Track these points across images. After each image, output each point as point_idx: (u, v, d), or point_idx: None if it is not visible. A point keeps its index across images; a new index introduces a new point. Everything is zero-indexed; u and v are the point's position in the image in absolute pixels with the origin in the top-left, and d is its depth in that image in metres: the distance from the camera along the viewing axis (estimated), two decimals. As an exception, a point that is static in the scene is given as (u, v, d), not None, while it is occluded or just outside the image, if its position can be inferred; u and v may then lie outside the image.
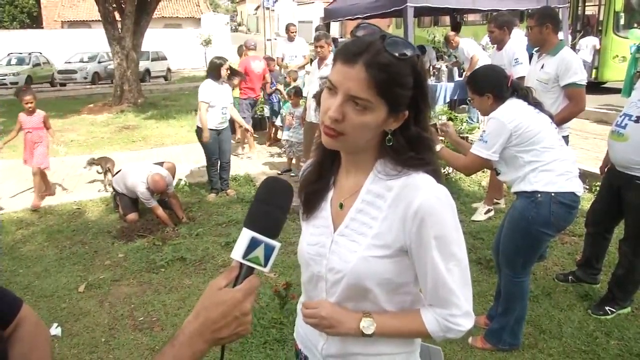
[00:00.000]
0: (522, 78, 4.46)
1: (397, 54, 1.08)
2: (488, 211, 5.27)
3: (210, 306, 0.94)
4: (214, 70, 6.05)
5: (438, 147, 2.84)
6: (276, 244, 1.01)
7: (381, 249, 1.16)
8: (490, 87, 2.87)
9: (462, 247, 1.17)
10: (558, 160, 2.75)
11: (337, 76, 1.11)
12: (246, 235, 0.99)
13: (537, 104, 2.85)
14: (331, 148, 1.19)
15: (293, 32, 9.55)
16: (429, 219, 1.12)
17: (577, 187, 2.77)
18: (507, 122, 2.72)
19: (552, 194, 2.72)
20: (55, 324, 3.55)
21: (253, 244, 0.99)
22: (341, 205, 1.25)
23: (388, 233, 1.16)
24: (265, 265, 1.00)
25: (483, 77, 2.96)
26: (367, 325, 1.19)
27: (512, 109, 2.77)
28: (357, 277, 1.18)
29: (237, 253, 0.98)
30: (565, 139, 4.07)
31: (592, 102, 9.34)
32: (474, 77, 3.03)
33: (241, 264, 0.99)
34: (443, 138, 3.28)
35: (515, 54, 5.07)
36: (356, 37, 1.15)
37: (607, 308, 3.48)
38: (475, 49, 8.65)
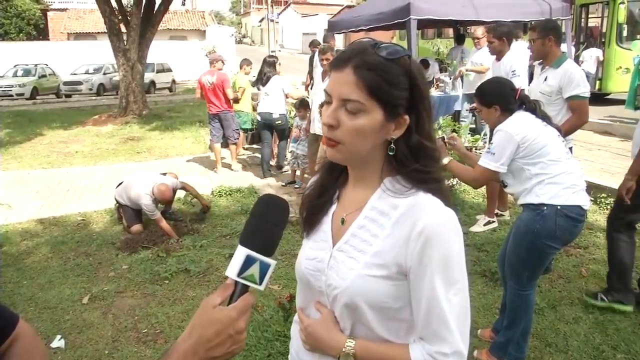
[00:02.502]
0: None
1: (385, 55, 1.08)
2: (488, 223, 5.24)
3: (205, 324, 0.93)
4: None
5: (446, 160, 2.84)
6: (272, 261, 1.00)
7: (380, 268, 1.11)
8: (497, 99, 2.88)
9: (465, 276, 1.11)
10: (565, 173, 2.74)
11: (330, 84, 1.13)
12: (241, 253, 0.98)
13: (545, 117, 2.86)
14: (334, 160, 1.17)
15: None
16: (434, 241, 1.07)
17: (583, 200, 2.76)
18: (515, 134, 2.73)
19: (558, 207, 2.70)
20: (59, 336, 3.55)
21: (248, 262, 0.98)
22: (343, 221, 1.21)
23: (389, 252, 1.11)
24: (260, 284, 0.99)
25: (490, 89, 2.98)
26: (347, 351, 1.15)
27: (519, 121, 2.78)
28: (351, 296, 1.13)
29: (232, 271, 0.98)
30: (569, 150, 4.08)
31: (596, 114, 9.35)
32: (481, 89, 3.04)
33: (236, 281, 0.98)
34: (451, 151, 3.29)
35: (512, 66, 5.08)
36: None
37: (600, 295, 3.57)
38: (490, 61, 8.15)
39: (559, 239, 2.79)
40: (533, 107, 2.84)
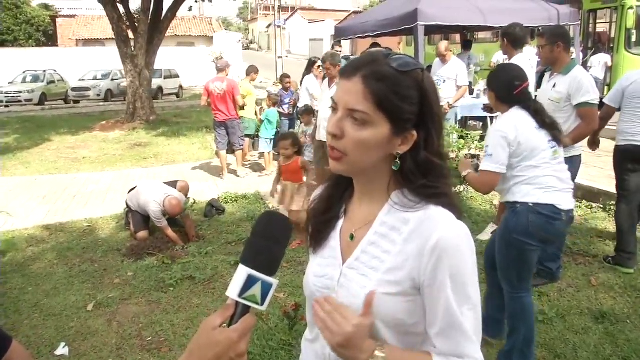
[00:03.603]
0: None
1: (397, 66, 1.04)
2: (495, 231, 5.19)
3: (204, 346, 0.90)
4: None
5: (465, 173, 2.94)
6: (274, 281, 0.98)
7: (393, 285, 1.08)
8: (495, 85, 2.94)
9: (478, 290, 1.09)
10: (542, 176, 2.80)
11: (337, 92, 1.10)
12: (243, 272, 0.95)
13: (542, 120, 2.82)
14: (337, 172, 1.14)
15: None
16: (447, 257, 1.04)
17: (558, 200, 2.79)
18: (507, 133, 2.76)
19: (530, 204, 2.78)
20: (63, 344, 3.53)
21: (250, 282, 0.95)
22: (352, 236, 1.17)
23: (401, 269, 1.08)
24: (262, 304, 0.96)
25: (495, 74, 3.04)
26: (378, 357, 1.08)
27: (512, 120, 2.81)
28: None
29: (232, 291, 0.95)
30: (578, 158, 4.03)
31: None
32: (494, 70, 3.13)
33: (237, 302, 0.95)
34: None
35: None
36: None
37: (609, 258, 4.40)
38: (465, 79, 7.78)
39: (533, 236, 2.81)
40: (529, 106, 2.84)
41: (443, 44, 7.58)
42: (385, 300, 1.09)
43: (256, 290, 0.95)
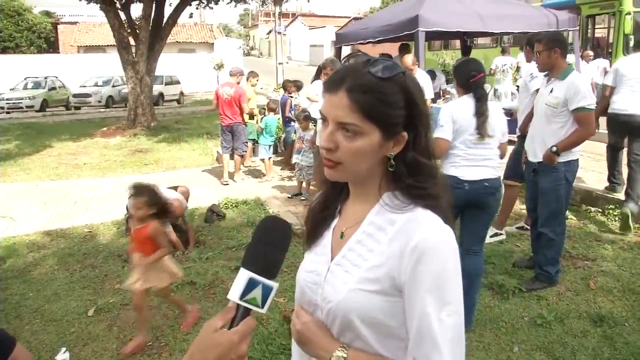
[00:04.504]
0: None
1: (379, 74, 1.06)
2: (495, 235, 5.19)
3: (206, 349, 0.92)
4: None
5: None
6: (274, 284, 1.00)
7: (373, 282, 1.09)
8: (456, 72, 3.59)
9: (460, 296, 1.06)
10: (455, 154, 3.41)
11: (325, 106, 1.11)
12: (244, 275, 0.97)
13: (479, 107, 3.33)
14: (333, 179, 1.16)
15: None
16: (428, 257, 1.04)
17: (461, 172, 3.37)
18: (452, 112, 3.39)
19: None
20: (64, 349, 3.54)
21: (251, 285, 0.97)
22: (342, 235, 1.20)
23: (382, 267, 1.09)
24: (262, 307, 0.99)
25: (460, 64, 3.65)
26: (338, 357, 1.11)
27: (458, 104, 3.44)
28: (344, 310, 1.11)
29: (234, 294, 0.97)
30: (576, 162, 4.05)
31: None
32: (459, 62, 3.83)
33: (238, 304, 0.97)
34: None
35: (529, 70, 5.32)
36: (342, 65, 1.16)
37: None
38: (431, 92, 7.62)
39: None
40: (476, 95, 3.37)
41: (409, 57, 7.25)
42: (364, 297, 1.10)
43: (257, 293, 0.98)
